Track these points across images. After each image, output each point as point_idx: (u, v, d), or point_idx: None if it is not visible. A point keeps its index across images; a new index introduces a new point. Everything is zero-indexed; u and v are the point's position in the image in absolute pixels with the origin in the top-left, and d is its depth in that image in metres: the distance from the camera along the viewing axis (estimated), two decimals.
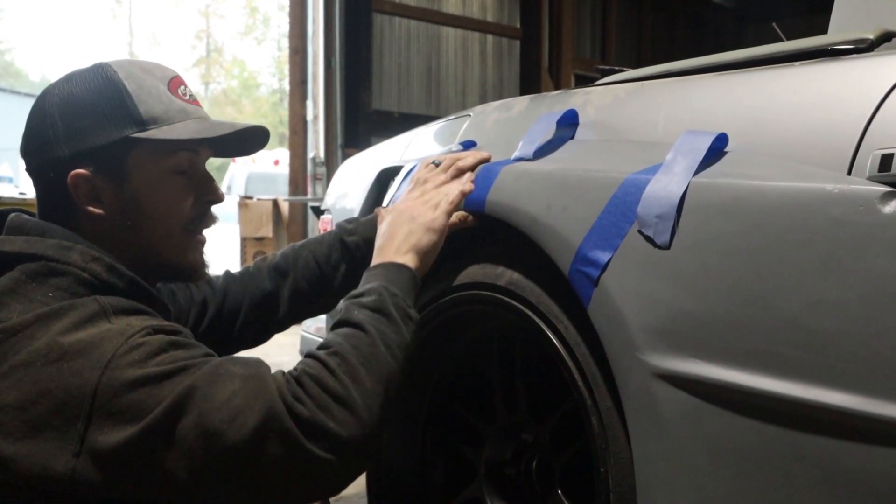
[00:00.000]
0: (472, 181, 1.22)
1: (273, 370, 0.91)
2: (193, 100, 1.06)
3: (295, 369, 0.91)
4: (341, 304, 1.03)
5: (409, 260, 1.10)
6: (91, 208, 0.99)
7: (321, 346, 0.94)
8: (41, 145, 1.00)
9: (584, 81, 8.39)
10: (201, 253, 1.08)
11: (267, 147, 1.20)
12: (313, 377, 0.88)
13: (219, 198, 1.08)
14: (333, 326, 0.99)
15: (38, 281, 0.91)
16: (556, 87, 8.36)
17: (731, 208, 0.87)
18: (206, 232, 1.10)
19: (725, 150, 0.95)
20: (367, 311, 0.98)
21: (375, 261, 1.11)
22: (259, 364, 0.91)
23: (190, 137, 1.01)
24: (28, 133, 1.01)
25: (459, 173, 1.24)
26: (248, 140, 1.11)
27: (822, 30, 1.28)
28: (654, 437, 0.93)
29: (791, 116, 0.92)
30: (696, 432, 0.89)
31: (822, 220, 0.79)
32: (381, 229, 1.17)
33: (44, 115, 1.00)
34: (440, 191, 1.21)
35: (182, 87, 1.05)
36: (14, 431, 0.83)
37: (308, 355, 0.93)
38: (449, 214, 1.18)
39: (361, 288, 1.04)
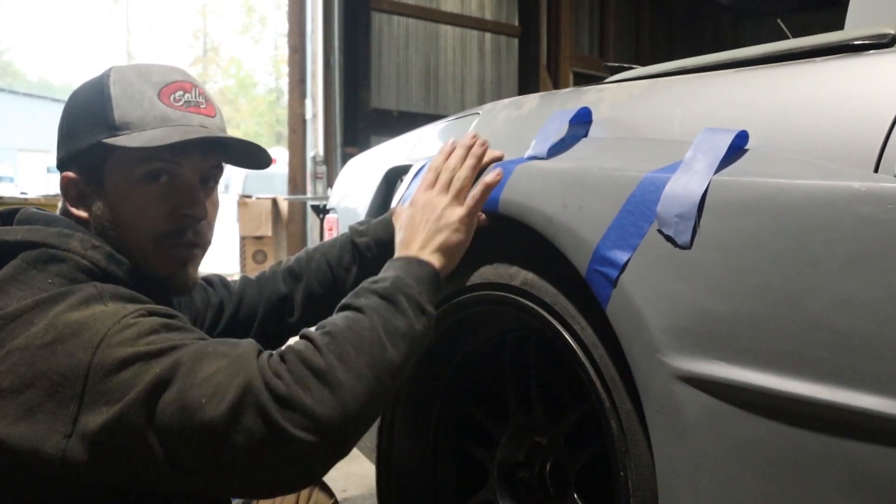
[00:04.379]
0: (498, 173, 1.17)
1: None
2: (190, 106, 1.01)
3: (284, 347, 0.89)
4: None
5: (435, 259, 1.08)
6: (75, 211, 1.01)
7: (318, 327, 0.92)
8: (56, 146, 1.04)
9: (583, 79, 8.40)
10: (182, 267, 1.02)
11: (265, 145, 1.17)
12: (298, 353, 0.86)
13: (197, 214, 1.01)
14: (338, 309, 0.97)
15: (38, 268, 0.91)
16: (555, 85, 8.35)
17: (754, 207, 0.85)
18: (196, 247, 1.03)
19: (746, 147, 0.93)
20: (374, 297, 0.96)
21: (398, 253, 1.09)
22: (249, 343, 0.88)
23: (143, 146, 0.95)
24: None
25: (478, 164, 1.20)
26: (253, 154, 1.07)
27: (821, 27, 1.26)
28: (676, 441, 0.91)
29: (814, 113, 0.90)
30: (719, 436, 0.87)
31: (849, 219, 0.77)
32: (403, 221, 1.14)
33: (59, 118, 1.04)
34: (462, 181, 1.16)
35: (178, 93, 1.00)
36: (9, 414, 0.83)
37: (300, 335, 0.92)
38: (475, 213, 1.15)
39: (379, 275, 1.03)
